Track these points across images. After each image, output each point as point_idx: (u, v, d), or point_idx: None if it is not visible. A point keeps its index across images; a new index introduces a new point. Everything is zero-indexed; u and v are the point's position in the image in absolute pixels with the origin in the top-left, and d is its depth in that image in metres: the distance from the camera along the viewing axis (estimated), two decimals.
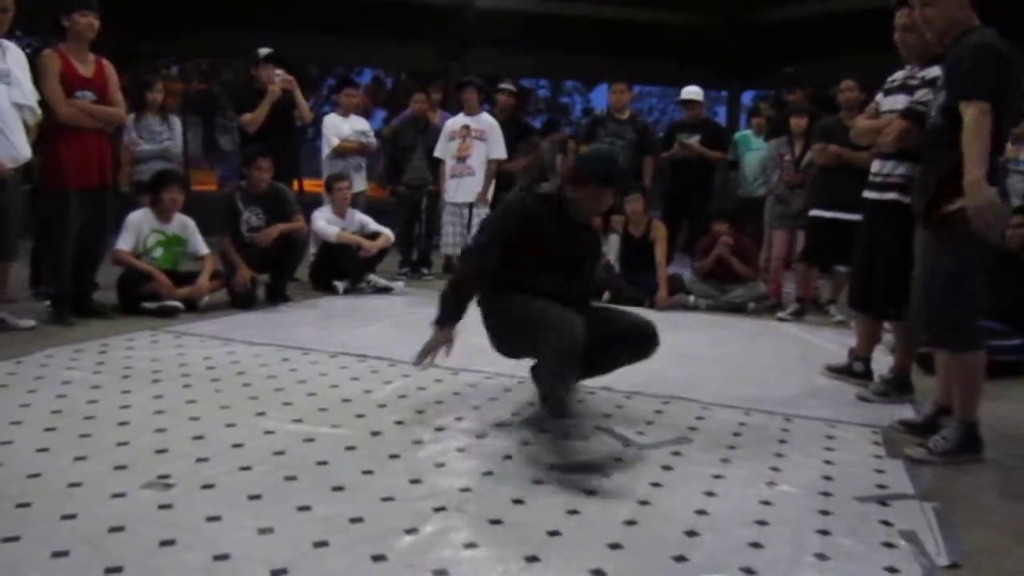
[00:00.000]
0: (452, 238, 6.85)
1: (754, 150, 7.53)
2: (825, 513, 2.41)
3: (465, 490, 2.44)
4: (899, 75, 3.68)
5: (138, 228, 5.17)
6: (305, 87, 7.32)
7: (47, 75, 4.41)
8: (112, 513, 2.16)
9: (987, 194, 2.74)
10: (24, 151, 4.18)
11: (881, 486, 2.66)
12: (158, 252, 5.24)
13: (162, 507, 2.22)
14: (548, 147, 8.42)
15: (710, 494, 2.51)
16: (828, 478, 2.71)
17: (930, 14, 2.94)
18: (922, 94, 3.41)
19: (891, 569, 2.07)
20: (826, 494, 2.56)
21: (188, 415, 3.04)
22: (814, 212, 5.41)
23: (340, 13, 11.81)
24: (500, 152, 6.76)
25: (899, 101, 3.57)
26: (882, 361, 4.10)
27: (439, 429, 3.03)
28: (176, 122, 6.31)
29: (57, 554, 1.93)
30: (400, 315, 5.51)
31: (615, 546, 2.11)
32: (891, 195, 3.56)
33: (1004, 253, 4.49)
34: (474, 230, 6.65)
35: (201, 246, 5.39)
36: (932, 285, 2.96)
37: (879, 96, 3.80)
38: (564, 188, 3.13)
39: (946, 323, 2.96)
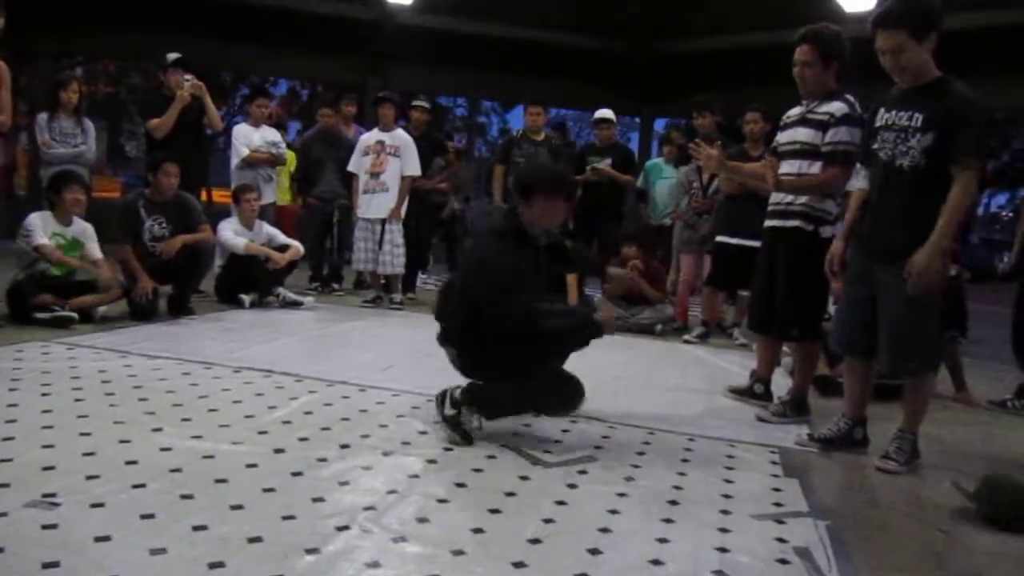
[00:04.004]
0: (364, 254, 6.74)
1: (665, 178, 7.71)
2: (724, 531, 2.46)
3: (369, 508, 2.40)
4: (795, 111, 3.84)
5: (42, 227, 4.94)
6: (217, 95, 7.14)
7: None
8: None
9: (939, 266, 3.00)
10: None
11: (777, 504, 2.74)
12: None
13: (46, 527, 2.10)
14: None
15: (613, 512, 2.54)
16: (727, 496, 2.78)
17: (904, 60, 3.07)
18: (841, 134, 3.56)
19: None
20: (725, 512, 2.62)
21: (79, 430, 2.90)
22: (720, 238, 5.58)
23: (256, 22, 11.64)
24: (415, 169, 6.73)
25: (799, 134, 3.73)
26: (781, 383, 4.24)
27: (344, 446, 2.97)
28: (90, 125, 6.09)
29: None
30: (309, 330, 5.40)
31: (519, 564, 2.11)
32: (794, 222, 3.73)
33: None
34: (386, 246, 6.61)
35: (95, 251, 5.16)
36: (924, 316, 3.11)
37: (778, 135, 3.94)
38: (518, 211, 3.20)
39: (934, 347, 3.19)
